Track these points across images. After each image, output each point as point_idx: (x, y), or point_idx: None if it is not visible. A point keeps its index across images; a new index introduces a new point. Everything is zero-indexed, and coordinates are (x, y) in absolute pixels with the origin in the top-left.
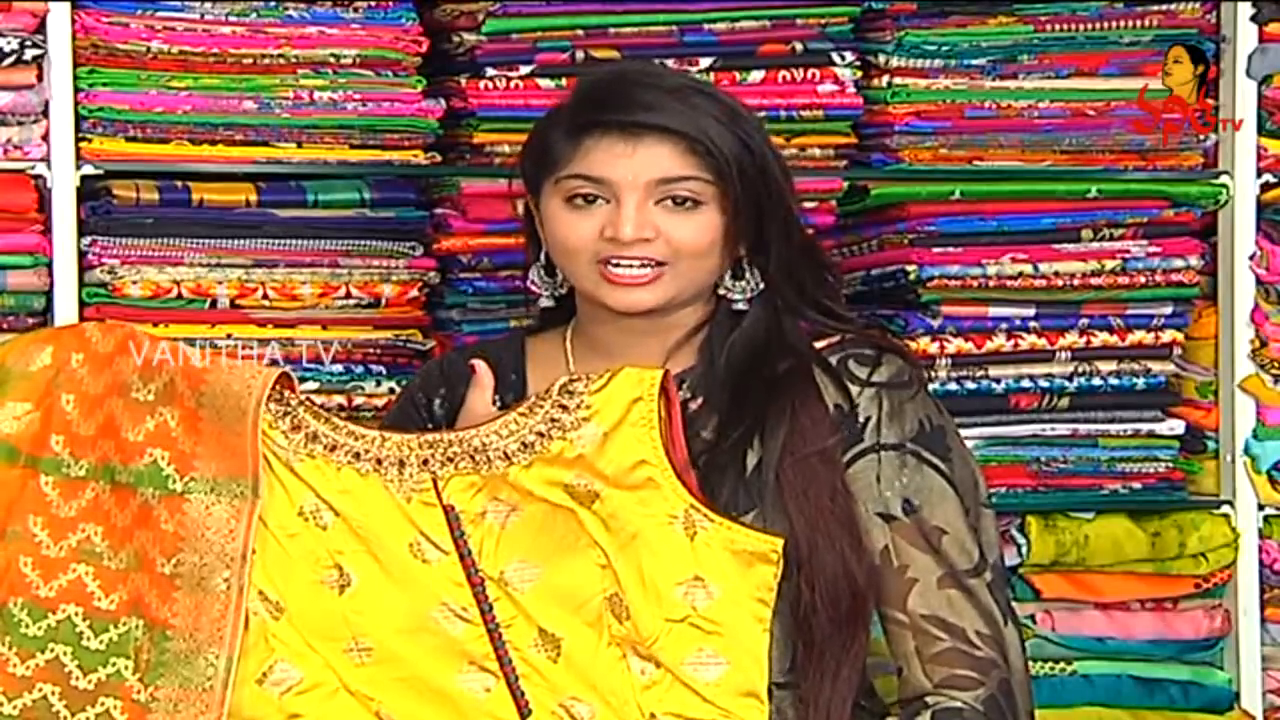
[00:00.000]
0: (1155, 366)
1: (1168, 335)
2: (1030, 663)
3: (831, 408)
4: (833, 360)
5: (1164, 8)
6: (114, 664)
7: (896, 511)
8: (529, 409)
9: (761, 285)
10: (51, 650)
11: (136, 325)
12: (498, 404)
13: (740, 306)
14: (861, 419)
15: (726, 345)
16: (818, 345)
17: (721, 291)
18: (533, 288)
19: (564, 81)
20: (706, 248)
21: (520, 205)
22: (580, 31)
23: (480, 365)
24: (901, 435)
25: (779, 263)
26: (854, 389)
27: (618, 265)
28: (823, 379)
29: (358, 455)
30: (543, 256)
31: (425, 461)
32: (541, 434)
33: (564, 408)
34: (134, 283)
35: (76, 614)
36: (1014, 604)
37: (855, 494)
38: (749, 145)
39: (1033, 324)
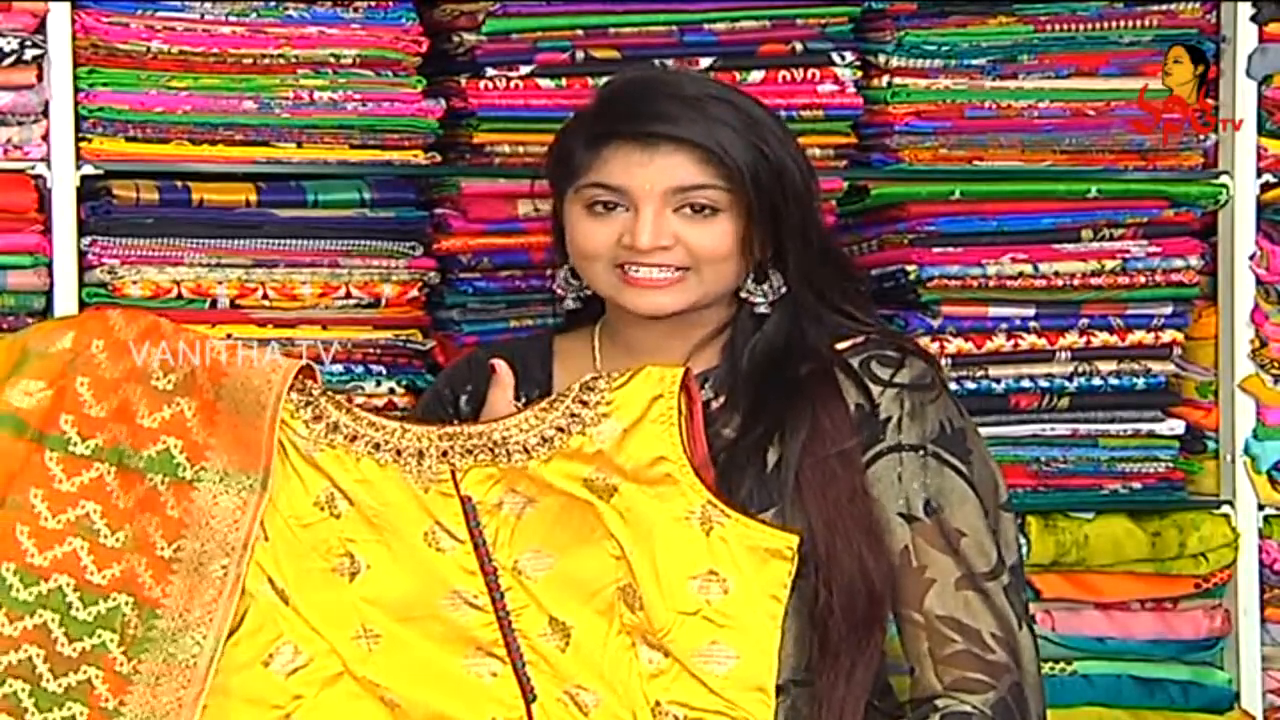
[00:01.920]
0: (1155, 366)
1: (1168, 335)
2: (1041, 676)
3: (853, 407)
4: (855, 361)
5: (1164, 8)
6: (99, 635)
7: (918, 512)
8: (550, 404)
9: (784, 289)
10: (40, 616)
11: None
12: (523, 400)
13: (763, 310)
14: (883, 418)
15: (749, 347)
16: (840, 346)
17: (744, 295)
18: (559, 290)
19: (564, 81)
20: (725, 254)
21: (525, 206)
22: (580, 31)
23: (500, 364)
24: (923, 436)
25: (798, 267)
26: (875, 389)
27: (637, 270)
28: (844, 380)
29: (378, 446)
30: (570, 259)
31: (444, 453)
32: (561, 429)
33: (584, 404)
34: (134, 283)
35: (68, 585)
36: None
37: (876, 493)
38: (765, 153)
39: (1033, 324)
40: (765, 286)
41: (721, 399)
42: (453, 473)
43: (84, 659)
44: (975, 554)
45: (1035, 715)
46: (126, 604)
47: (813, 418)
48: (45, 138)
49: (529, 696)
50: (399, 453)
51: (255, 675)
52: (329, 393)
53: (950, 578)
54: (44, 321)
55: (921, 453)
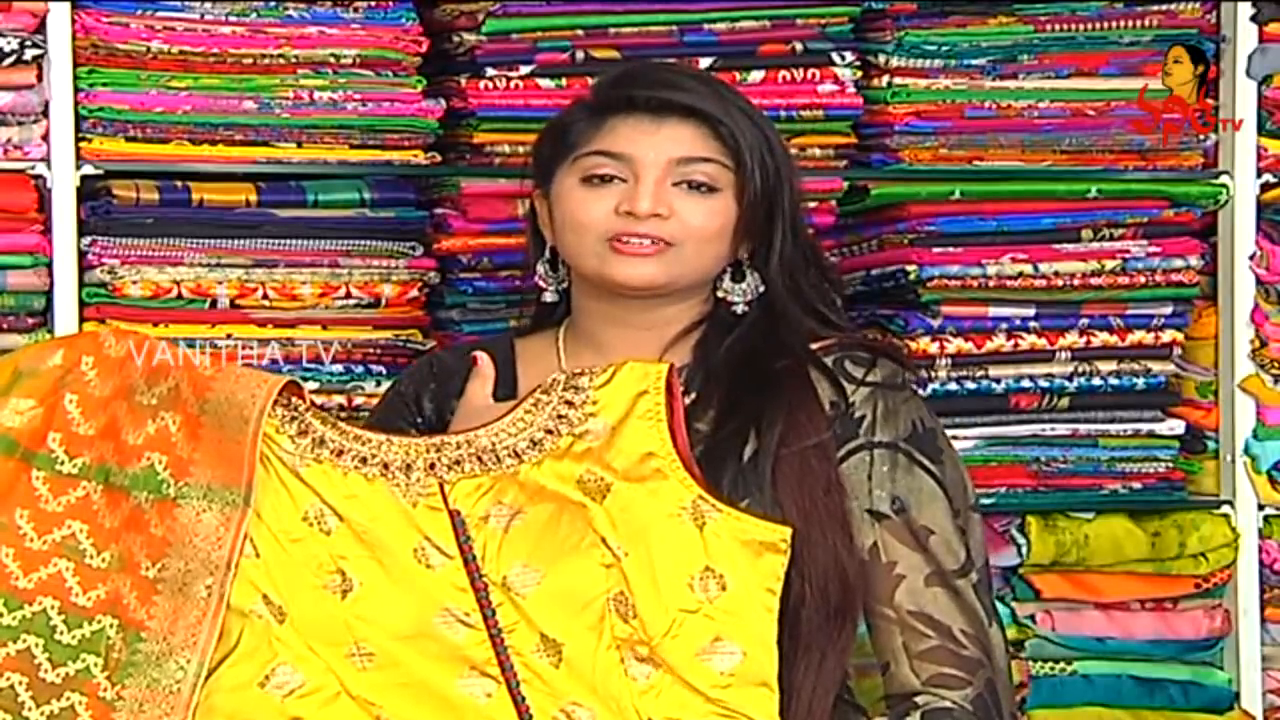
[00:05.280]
0: (1155, 366)
1: (1168, 335)
2: (1030, 663)
3: (827, 405)
4: (829, 360)
5: (1164, 8)
6: (84, 660)
7: (886, 509)
8: (534, 405)
9: (761, 288)
10: (24, 641)
11: (138, 327)
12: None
13: (739, 309)
14: (857, 416)
15: (724, 346)
16: (813, 346)
17: (721, 294)
18: (539, 282)
19: (564, 81)
20: (716, 233)
21: (524, 205)
22: (580, 31)
23: (483, 358)
24: (895, 435)
25: (781, 265)
26: (849, 387)
27: (627, 241)
28: (818, 378)
29: (364, 460)
30: (547, 251)
31: (432, 466)
32: (550, 430)
33: (570, 403)
34: (134, 283)
35: (52, 607)
36: (1014, 604)
37: (847, 490)
38: (770, 142)
39: (1033, 324)
40: (742, 286)
41: (693, 395)
42: (441, 486)
43: (68, 684)
44: (944, 552)
45: (1009, 713)
46: (111, 626)
47: (788, 412)
48: (45, 138)
49: (524, 717)
50: (386, 466)
51: (252, 696)
52: (315, 407)
53: (919, 574)
54: (33, 344)
55: (893, 451)
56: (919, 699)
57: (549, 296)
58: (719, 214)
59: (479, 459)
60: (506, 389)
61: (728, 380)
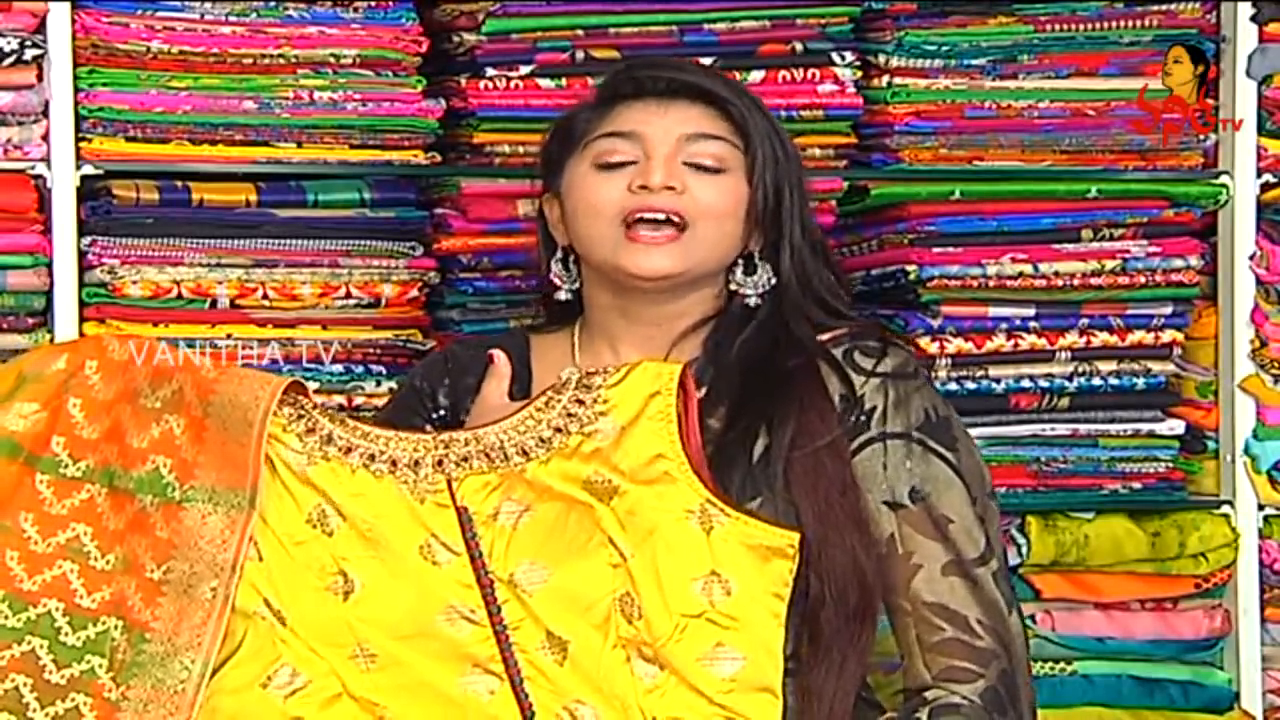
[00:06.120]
0: (1155, 366)
1: (1168, 335)
2: (1030, 663)
3: (836, 398)
4: (838, 352)
5: (1164, 8)
6: (88, 661)
7: (904, 499)
8: (545, 404)
9: (773, 281)
10: (28, 643)
11: (138, 327)
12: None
13: (752, 302)
14: (867, 408)
15: (738, 341)
16: (822, 338)
17: (733, 286)
18: (555, 280)
19: (564, 81)
20: (728, 212)
21: (533, 205)
22: (580, 31)
23: (499, 355)
24: (908, 424)
25: (792, 255)
26: (858, 379)
27: (642, 224)
28: (827, 370)
29: (373, 457)
30: (560, 250)
31: (440, 462)
32: (559, 429)
33: (581, 402)
34: (134, 283)
35: (57, 609)
36: None
37: (861, 483)
38: (777, 131)
39: (1033, 324)
40: (754, 278)
41: (703, 390)
42: (448, 482)
43: (73, 686)
44: (964, 540)
45: (1025, 702)
46: (116, 628)
47: (800, 412)
48: (45, 138)
49: (527, 714)
50: (395, 463)
51: (254, 697)
52: (321, 406)
53: (937, 563)
54: (38, 348)
55: (907, 440)
56: (929, 694)
57: (563, 295)
58: (730, 193)
59: (487, 456)
60: (523, 384)
61: (739, 378)
